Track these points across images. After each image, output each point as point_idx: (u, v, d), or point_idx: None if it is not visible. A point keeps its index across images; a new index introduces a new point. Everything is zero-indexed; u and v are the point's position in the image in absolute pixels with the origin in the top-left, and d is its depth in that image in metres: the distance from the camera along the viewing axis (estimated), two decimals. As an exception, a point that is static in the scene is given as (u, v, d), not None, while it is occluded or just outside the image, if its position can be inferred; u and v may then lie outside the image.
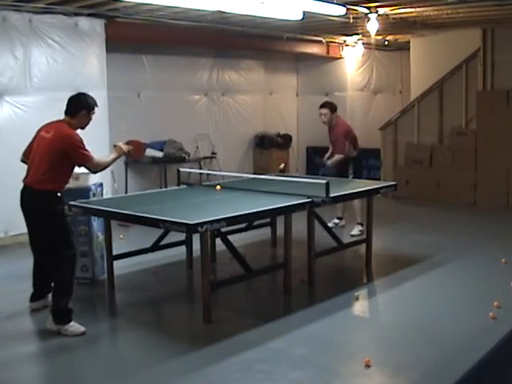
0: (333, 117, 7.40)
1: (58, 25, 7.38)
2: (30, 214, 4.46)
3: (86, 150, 4.46)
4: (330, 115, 7.38)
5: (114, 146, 4.80)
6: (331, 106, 7.44)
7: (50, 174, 4.39)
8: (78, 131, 4.58)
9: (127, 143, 4.91)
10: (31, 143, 4.64)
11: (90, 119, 4.65)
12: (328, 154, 7.64)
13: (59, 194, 4.50)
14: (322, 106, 7.46)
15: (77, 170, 5.57)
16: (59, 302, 4.44)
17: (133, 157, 5.09)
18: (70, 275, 4.50)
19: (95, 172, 4.72)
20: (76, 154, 4.41)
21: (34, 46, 7.21)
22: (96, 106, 4.66)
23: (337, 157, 7.37)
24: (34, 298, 4.86)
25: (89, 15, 7.60)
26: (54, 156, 4.38)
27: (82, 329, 4.40)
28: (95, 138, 7.40)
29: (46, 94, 7.31)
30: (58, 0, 6.86)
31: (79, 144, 4.43)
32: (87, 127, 4.70)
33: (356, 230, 7.35)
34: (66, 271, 4.45)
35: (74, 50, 7.56)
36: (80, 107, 4.55)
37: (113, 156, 4.71)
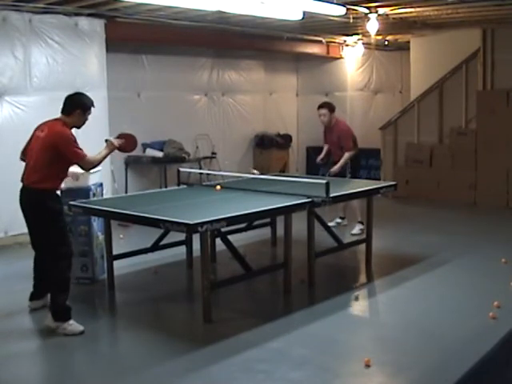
0: (332, 117, 7.46)
1: (57, 25, 7.38)
2: (28, 212, 4.48)
3: (79, 148, 4.45)
4: (329, 115, 7.45)
5: (106, 141, 4.78)
6: (330, 106, 7.53)
7: (45, 173, 4.40)
8: (75, 131, 4.58)
9: (118, 137, 4.89)
10: (28, 142, 4.68)
11: (86, 119, 4.65)
12: (322, 155, 7.68)
13: (57, 193, 4.52)
14: (321, 106, 7.54)
15: (77, 169, 5.60)
16: (57, 299, 4.44)
17: (125, 150, 5.06)
18: (67, 272, 4.49)
19: (88, 169, 4.70)
20: (68, 151, 4.40)
21: (34, 46, 7.21)
22: (92, 106, 4.66)
23: (346, 155, 7.34)
24: (33, 297, 4.87)
25: (89, 15, 7.60)
26: (47, 154, 4.40)
27: (81, 328, 4.40)
28: (95, 138, 7.43)
29: (46, 94, 7.31)
30: (57, 0, 6.86)
31: (71, 142, 4.43)
32: (86, 127, 4.70)
33: (357, 229, 7.37)
34: (63, 269, 4.45)
35: (74, 50, 7.55)
36: (75, 106, 4.55)
37: (104, 152, 4.67)
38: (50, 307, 4.50)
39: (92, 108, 4.66)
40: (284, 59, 11.70)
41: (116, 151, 4.88)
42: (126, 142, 4.91)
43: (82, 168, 4.63)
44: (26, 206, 4.47)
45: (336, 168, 7.34)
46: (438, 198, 9.52)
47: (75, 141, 4.47)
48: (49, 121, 4.57)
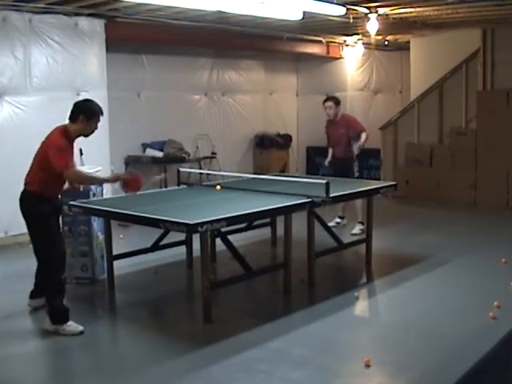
0: (337, 110, 7.49)
1: (57, 25, 7.38)
2: (21, 212, 4.46)
3: (62, 157, 4.26)
4: (335, 108, 7.48)
5: (112, 171, 4.70)
6: (335, 100, 7.57)
7: (38, 176, 4.37)
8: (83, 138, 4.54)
9: (128, 174, 4.77)
10: None
11: (95, 127, 4.53)
12: (329, 158, 7.67)
13: (44, 196, 4.39)
14: (327, 99, 7.59)
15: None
16: (52, 302, 4.43)
17: (126, 188, 4.78)
18: (60, 274, 4.45)
19: (73, 183, 4.48)
20: (51, 157, 4.25)
21: (34, 46, 7.21)
22: (101, 113, 4.53)
23: (363, 136, 7.32)
24: (33, 294, 4.87)
25: (89, 15, 7.60)
26: (40, 158, 4.38)
27: (80, 328, 4.40)
28: (95, 138, 7.43)
29: (46, 94, 7.31)
30: (57, 0, 6.86)
31: (56, 148, 4.27)
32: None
33: (357, 229, 7.38)
34: (55, 271, 4.42)
35: (74, 50, 7.55)
36: (78, 112, 4.43)
37: (103, 177, 4.51)
38: (47, 311, 4.49)
39: (100, 116, 4.53)
40: (284, 59, 11.70)
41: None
42: (131, 181, 4.70)
43: (68, 181, 4.42)
44: (19, 205, 4.46)
45: (361, 142, 7.27)
46: (437, 198, 9.52)
47: (62, 149, 4.29)
48: (57, 126, 4.50)
